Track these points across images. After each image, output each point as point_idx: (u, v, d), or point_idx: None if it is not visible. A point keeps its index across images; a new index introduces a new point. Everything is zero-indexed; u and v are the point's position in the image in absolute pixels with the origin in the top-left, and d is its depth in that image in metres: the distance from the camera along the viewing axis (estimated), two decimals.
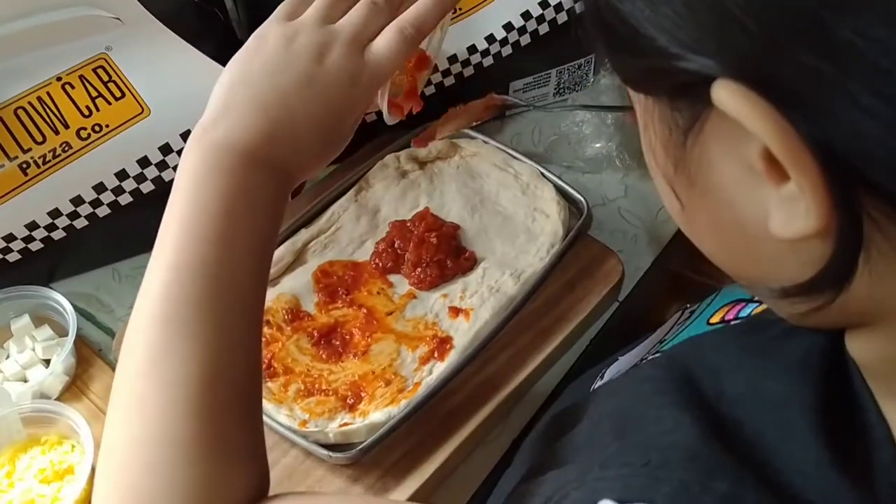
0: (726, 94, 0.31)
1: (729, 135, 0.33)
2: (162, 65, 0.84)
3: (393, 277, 0.84)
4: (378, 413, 0.73)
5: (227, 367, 0.49)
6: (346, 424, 0.73)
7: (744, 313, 0.51)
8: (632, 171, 0.97)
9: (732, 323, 0.50)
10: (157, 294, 0.50)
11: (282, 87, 0.54)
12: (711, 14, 0.31)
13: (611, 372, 0.62)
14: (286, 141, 0.54)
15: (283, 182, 0.55)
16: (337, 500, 0.61)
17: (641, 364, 0.54)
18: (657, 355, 0.54)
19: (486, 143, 0.93)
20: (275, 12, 0.57)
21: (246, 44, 0.56)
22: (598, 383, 0.62)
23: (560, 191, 0.89)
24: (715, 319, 0.53)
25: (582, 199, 0.87)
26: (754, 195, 0.34)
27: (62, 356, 0.78)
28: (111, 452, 0.48)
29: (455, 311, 0.80)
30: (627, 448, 0.40)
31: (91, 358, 0.82)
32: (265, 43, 0.55)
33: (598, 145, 0.97)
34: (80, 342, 0.83)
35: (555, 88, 1.02)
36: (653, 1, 0.33)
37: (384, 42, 0.56)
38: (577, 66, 1.01)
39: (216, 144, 0.52)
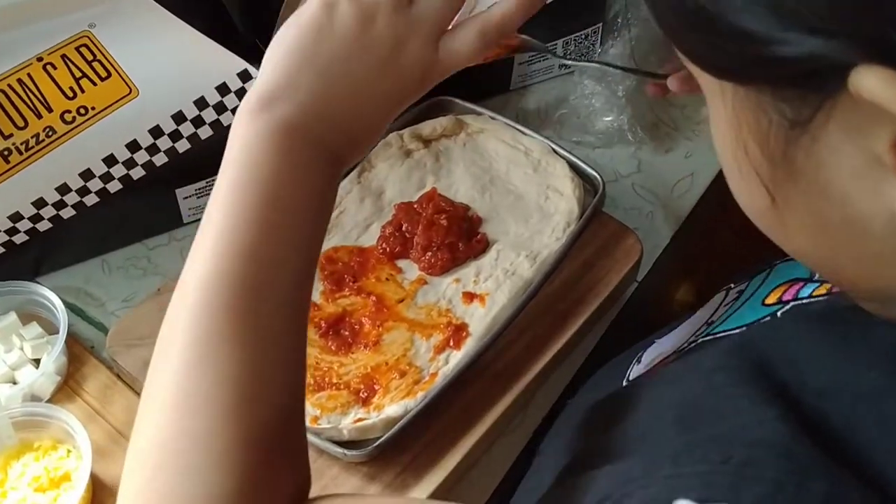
0: (875, 82, 0.28)
1: (852, 125, 0.30)
2: (149, 41, 0.79)
3: (401, 262, 0.79)
4: (394, 406, 0.69)
5: (269, 366, 0.46)
6: (360, 420, 0.69)
7: (804, 293, 0.47)
8: (644, 144, 0.94)
9: (804, 303, 0.46)
10: (197, 286, 0.46)
11: (355, 76, 0.50)
12: None
13: (649, 355, 0.58)
14: (346, 130, 0.51)
15: (337, 172, 0.52)
16: (382, 500, 0.57)
17: (699, 350, 0.50)
18: (709, 338, 0.50)
19: (493, 119, 0.89)
20: None
21: (309, 13, 0.50)
22: (636, 368, 0.58)
23: (573, 167, 0.85)
24: (771, 300, 0.49)
25: (597, 175, 0.83)
26: (877, 189, 0.31)
27: (53, 355, 0.73)
28: (143, 455, 0.45)
29: (469, 297, 0.76)
30: (700, 443, 0.37)
31: (83, 356, 0.78)
32: (336, 19, 0.50)
33: (608, 119, 0.93)
34: (71, 339, 0.78)
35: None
36: None
37: (462, 41, 0.52)
38: (583, 37, 0.97)
39: (276, 124, 0.48)
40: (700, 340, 0.51)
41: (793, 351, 0.40)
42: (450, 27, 0.54)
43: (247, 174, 0.48)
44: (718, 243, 0.89)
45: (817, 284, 0.47)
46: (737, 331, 0.49)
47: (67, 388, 0.76)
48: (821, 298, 0.46)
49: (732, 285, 0.58)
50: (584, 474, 0.41)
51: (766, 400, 0.37)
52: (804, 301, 0.46)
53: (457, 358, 0.72)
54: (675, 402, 0.42)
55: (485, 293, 0.76)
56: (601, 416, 0.47)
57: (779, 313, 0.47)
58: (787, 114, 0.31)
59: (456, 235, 0.79)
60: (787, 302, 0.47)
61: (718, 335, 0.50)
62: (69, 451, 0.70)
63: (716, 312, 0.55)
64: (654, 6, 0.34)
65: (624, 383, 0.57)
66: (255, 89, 0.50)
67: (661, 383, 0.48)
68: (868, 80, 0.28)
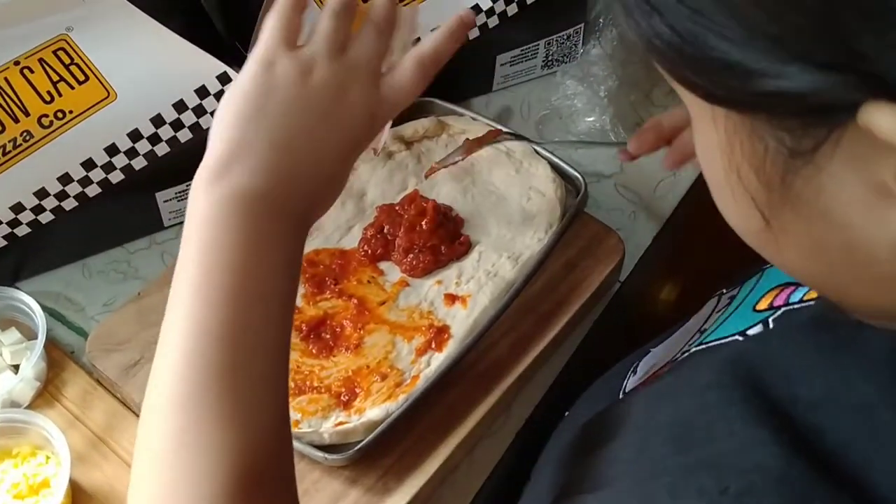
0: (890, 121, 0.27)
1: (857, 155, 0.29)
2: (127, 44, 0.79)
3: (383, 265, 0.79)
4: (375, 409, 0.68)
5: (258, 447, 0.45)
6: (341, 423, 0.68)
7: (794, 297, 0.46)
8: (627, 144, 0.93)
9: (795, 308, 0.46)
10: (175, 369, 0.46)
11: (304, 129, 0.51)
12: (851, 22, 0.26)
13: (644, 365, 0.57)
14: (306, 186, 0.51)
15: (303, 232, 0.52)
16: None
17: (691, 361, 0.49)
18: (701, 348, 0.50)
19: (474, 119, 0.88)
20: (270, 33, 0.52)
21: (249, 74, 0.51)
22: (632, 379, 0.57)
23: (555, 168, 0.84)
24: (762, 306, 0.48)
25: (578, 175, 0.83)
26: (883, 216, 0.30)
27: (32, 360, 0.72)
28: None
29: (451, 299, 0.76)
30: (695, 468, 0.36)
31: (63, 361, 0.77)
32: (275, 76, 0.51)
33: (590, 119, 0.93)
34: (51, 345, 0.78)
35: (543, 61, 0.98)
36: (767, 8, 0.27)
37: (404, 75, 0.54)
38: (566, 37, 0.97)
39: (233, 192, 0.48)
40: (692, 350, 0.51)
41: (784, 363, 0.39)
42: (387, 69, 0.55)
43: (210, 250, 0.47)
44: (701, 243, 0.89)
45: (808, 288, 0.46)
46: (729, 339, 0.48)
47: (47, 393, 0.75)
48: (811, 302, 0.45)
49: (725, 290, 0.57)
50: (576, 499, 0.41)
51: (759, 420, 0.36)
52: (795, 306, 0.46)
53: (439, 360, 0.72)
54: (669, 420, 0.41)
55: (467, 295, 0.76)
56: (595, 434, 0.46)
57: (770, 320, 0.46)
58: (786, 142, 0.30)
59: (438, 238, 0.79)
60: (779, 307, 0.47)
61: (710, 344, 0.50)
62: (48, 458, 0.70)
63: (708, 320, 0.55)
64: (638, 32, 0.32)
65: (620, 395, 0.57)
66: (207, 158, 0.50)
67: (653, 398, 0.47)
68: (883, 120, 0.27)
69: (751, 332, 0.47)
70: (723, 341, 0.49)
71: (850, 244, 0.32)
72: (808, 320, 0.43)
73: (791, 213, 0.33)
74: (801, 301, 0.46)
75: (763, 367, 0.39)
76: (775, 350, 0.41)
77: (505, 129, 0.85)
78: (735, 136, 0.32)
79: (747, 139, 0.32)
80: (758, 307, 0.49)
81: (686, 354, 0.51)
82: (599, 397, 0.59)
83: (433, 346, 0.73)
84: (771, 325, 0.46)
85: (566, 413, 0.65)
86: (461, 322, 0.74)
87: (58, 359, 0.77)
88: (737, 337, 0.48)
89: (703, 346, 0.50)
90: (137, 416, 0.72)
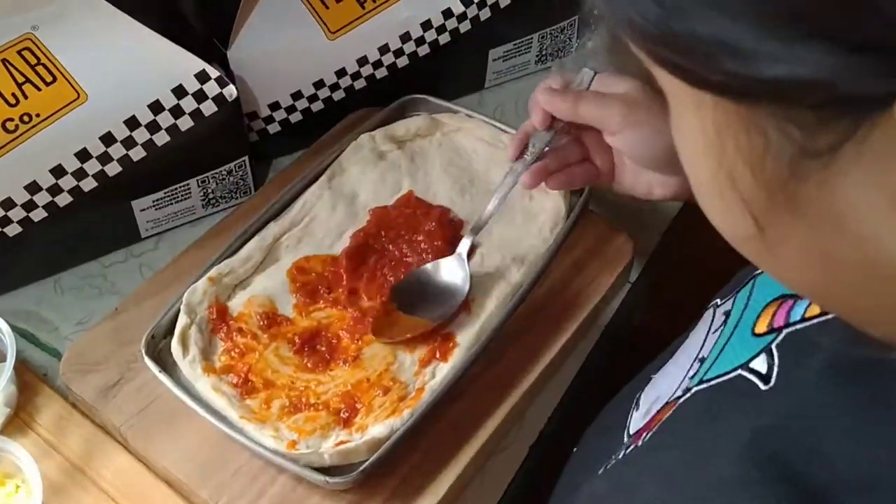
0: None
1: (885, 157, 0.24)
2: (98, 42, 0.74)
3: None
4: (378, 426, 0.63)
5: None
6: (342, 442, 0.63)
7: (795, 315, 0.41)
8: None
9: (799, 328, 0.40)
10: None
11: None
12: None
13: (646, 398, 0.52)
14: None
15: None
16: None
17: (695, 415, 0.44)
18: (703, 387, 0.44)
19: (469, 116, 0.84)
20: None
21: None
22: (635, 415, 0.52)
23: None
24: (761, 328, 0.43)
25: None
26: None
27: (1, 384, 0.67)
28: None
29: None
30: None
31: (35, 384, 0.71)
32: None
33: None
34: (22, 367, 0.72)
35: (536, 55, 0.94)
36: None
37: None
38: (559, 30, 0.93)
39: None
40: (694, 389, 0.46)
41: (816, 437, 0.34)
42: None
43: None
44: (713, 239, 0.85)
45: (808, 302, 0.42)
46: (732, 374, 0.43)
47: (19, 420, 0.69)
48: (815, 321, 0.40)
49: (719, 301, 0.52)
50: None
51: None
52: (798, 326, 0.41)
53: (444, 371, 0.67)
54: None
55: (470, 300, 0.71)
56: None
57: (773, 347, 0.41)
58: (794, 137, 0.25)
59: (437, 249, 0.74)
60: (780, 329, 0.42)
61: (712, 382, 0.45)
62: (18, 487, 0.64)
63: (705, 343, 0.50)
64: (612, 6, 0.27)
65: (625, 438, 0.51)
66: None
67: (660, 472, 0.42)
68: None
69: (754, 364, 0.42)
70: (726, 377, 0.43)
71: (867, 258, 0.27)
72: (827, 369, 0.37)
73: (793, 221, 0.28)
74: (802, 319, 0.41)
75: (790, 447, 0.34)
76: (801, 420, 0.36)
77: (502, 127, 0.81)
78: (727, 130, 0.27)
79: (743, 133, 0.27)
80: (757, 330, 0.44)
81: (689, 394, 0.45)
82: (603, 438, 0.54)
83: (438, 355, 0.68)
84: (775, 355, 0.41)
85: (574, 449, 0.61)
86: (467, 329, 0.69)
87: (30, 382, 0.71)
88: (740, 372, 0.42)
89: (705, 385, 0.44)
90: (118, 442, 0.68)
